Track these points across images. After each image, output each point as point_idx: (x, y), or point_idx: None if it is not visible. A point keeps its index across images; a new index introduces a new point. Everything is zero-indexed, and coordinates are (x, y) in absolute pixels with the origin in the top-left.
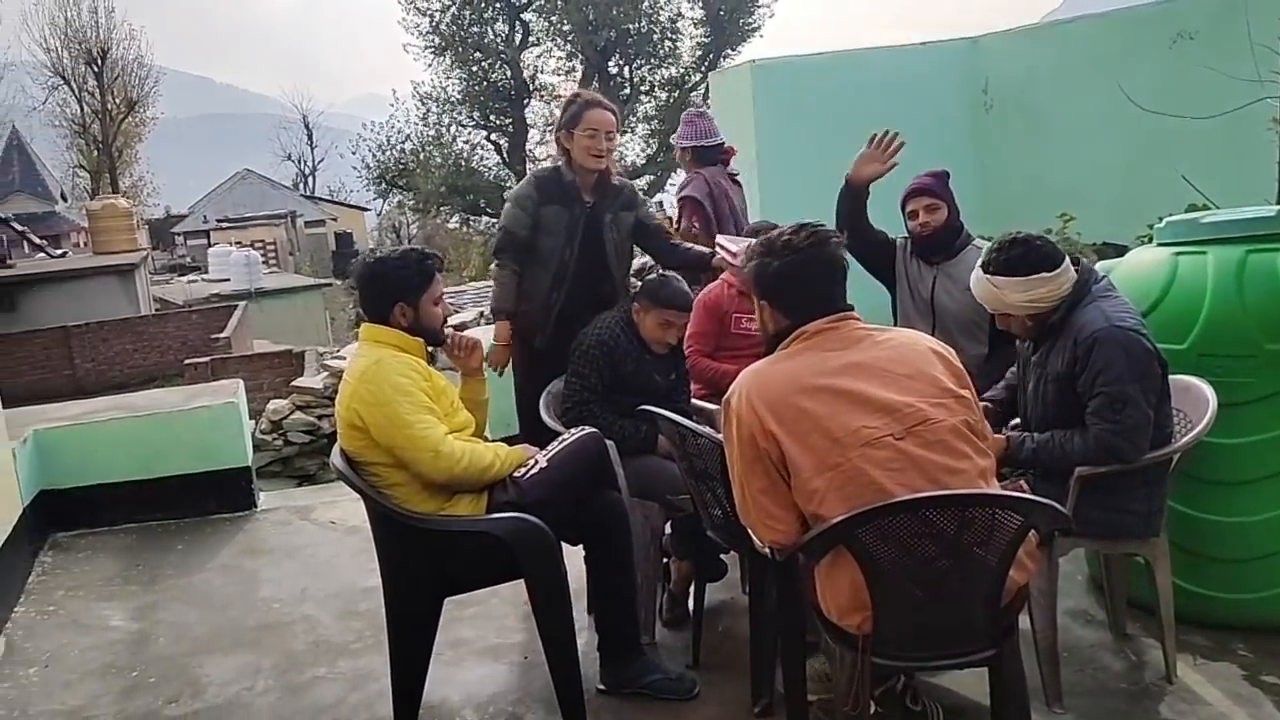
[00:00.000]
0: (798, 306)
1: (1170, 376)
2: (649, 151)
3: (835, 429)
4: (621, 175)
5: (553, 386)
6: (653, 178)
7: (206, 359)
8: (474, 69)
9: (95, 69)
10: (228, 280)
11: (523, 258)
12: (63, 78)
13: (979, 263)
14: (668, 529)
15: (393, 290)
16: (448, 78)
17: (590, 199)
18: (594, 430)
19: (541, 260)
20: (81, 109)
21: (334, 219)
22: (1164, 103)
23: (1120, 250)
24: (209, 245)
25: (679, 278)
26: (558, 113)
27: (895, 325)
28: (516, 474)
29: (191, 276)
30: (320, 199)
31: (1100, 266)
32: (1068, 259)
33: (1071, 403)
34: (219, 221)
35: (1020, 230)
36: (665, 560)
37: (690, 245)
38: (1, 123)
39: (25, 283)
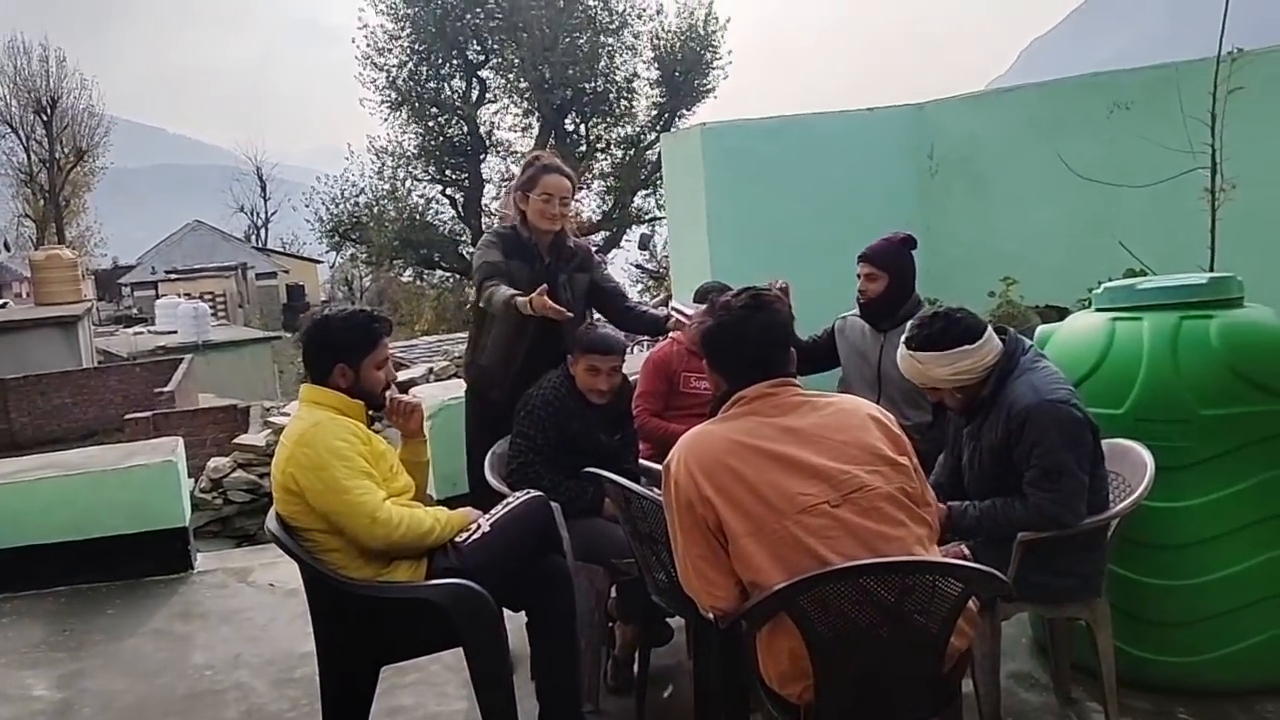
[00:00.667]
0: (734, 370)
1: (1109, 441)
2: (604, 208)
3: (771, 495)
4: (577, 236)
5: (497, 447)
6: (608, 234)
7: (148, 414)
8: (430, 124)
9: (44, 118)
10: (175, 332)
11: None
12: (10, 126)
13: (902, 338)
14: (614, 592)
15: (334, 350)
16: (404, 132)
17: (548, 258)
18: (539, 494)
19: (503, 316)
20: (29, 157)
21: (286, 271)
22: (1102, 170)
23: (1062, 313)
24: (157, 297)
25: (606, 324)
26: (515, 169)
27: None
28: (458, 539)
29: (138, 328)
30: (272, 251)
31: (1041, 331)
32: (990, 330)
33: (1008, 472)
34: (167, 273)
35: (942, 304)
36: (610, 624)
37: (646, 309)
38: None
39: None
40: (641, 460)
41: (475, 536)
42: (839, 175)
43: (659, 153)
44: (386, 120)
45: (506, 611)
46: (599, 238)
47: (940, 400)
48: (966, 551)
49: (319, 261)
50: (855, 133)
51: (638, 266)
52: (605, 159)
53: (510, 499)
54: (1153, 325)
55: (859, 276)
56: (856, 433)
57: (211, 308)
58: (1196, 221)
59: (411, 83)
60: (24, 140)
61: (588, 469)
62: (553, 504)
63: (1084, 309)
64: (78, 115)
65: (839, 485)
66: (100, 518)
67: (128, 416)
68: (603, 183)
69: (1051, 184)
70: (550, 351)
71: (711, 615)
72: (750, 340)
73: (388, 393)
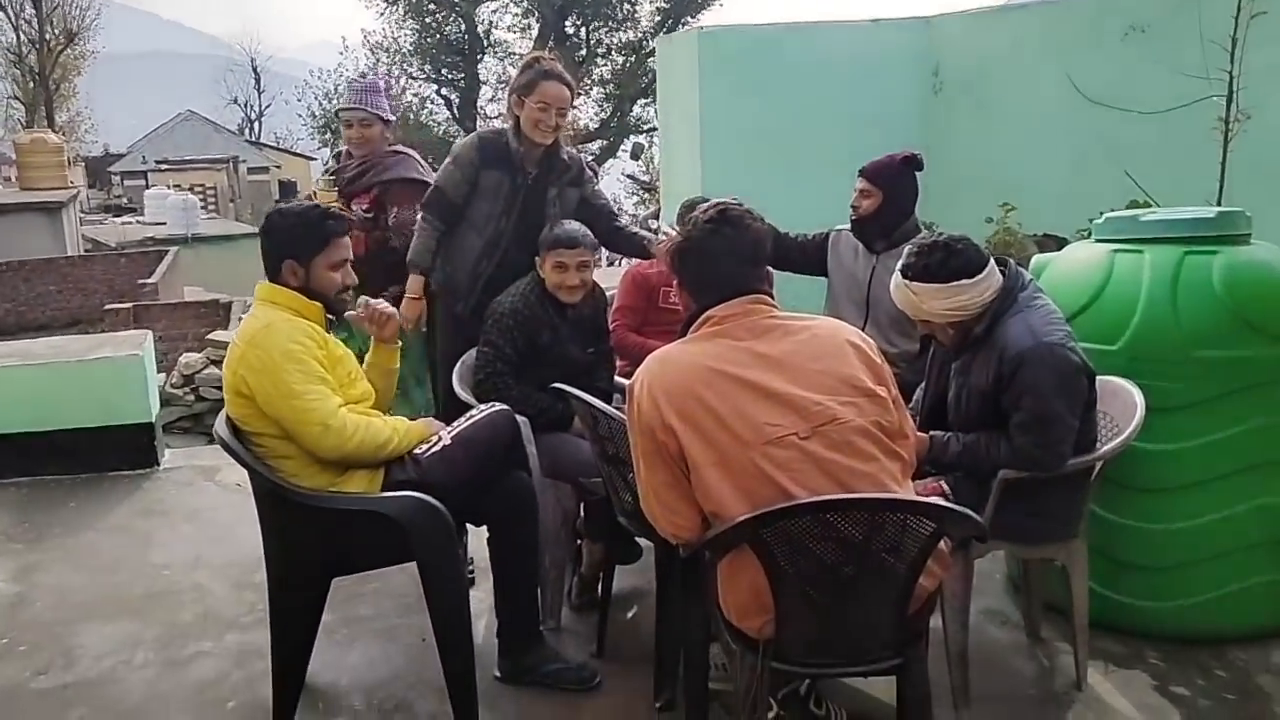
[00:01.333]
0: (704, 287)
1: (1100, 378)
2: (603, 116)
3: (737, 425)
4: (571, 148)
5: (466, 357)
6: (605, 143)
7: (129, 305)
8: (427, 20)
9: None
10: (164, 224)
11: (450, 219)
12: None
13: (898, 266)
14: (582, 510)
15: (284, 246)
16: (400, 28)
17: (534, 170)
18: (505, 408)
19: (475, 225)
20: (18, 38)
21: (278, 167)
22: (1113, 95)
23: (1060, 242)
24: (147, 187)
25: (573, 221)
26: (513, 71)
27: (824, 314)
28: (417, 451)
29: (127, 218)
30: (266, 146)
31: (1037, 260)
32: (992, 263)
33: (994, 413)
34: (158, 163)
35: (942, 232)
36: (578, 542)
37: (635, 230)
38: None
39: None
40: (617, 377)
41: (435, 449)
42: (840, 89)
43: None
44: (383, 15)
45: (471, 527)
46: (595, 146)
47: (931, 335)
48: (945, 488)
49: (312, 159)
50: (859, 45)
51: (630, 177)
52: (605, 65)
53: (474, 412)
54: (1154, 259)
55: (854, 191)
56: (831, 361)
57: (201, 201)
58: (1206, 152)
59: None
60: (13, 20)
61: (555, 385)
62: (520, 418)
63: (1083, 239)
64: None
65: (809, 416)
66: (63, 410)
67: (107, 307)
68: (602, 90)
69: (1059, 108)
70: (520, 267)
71: (673, 541)
72: (717, 256)
73: (371, 301)
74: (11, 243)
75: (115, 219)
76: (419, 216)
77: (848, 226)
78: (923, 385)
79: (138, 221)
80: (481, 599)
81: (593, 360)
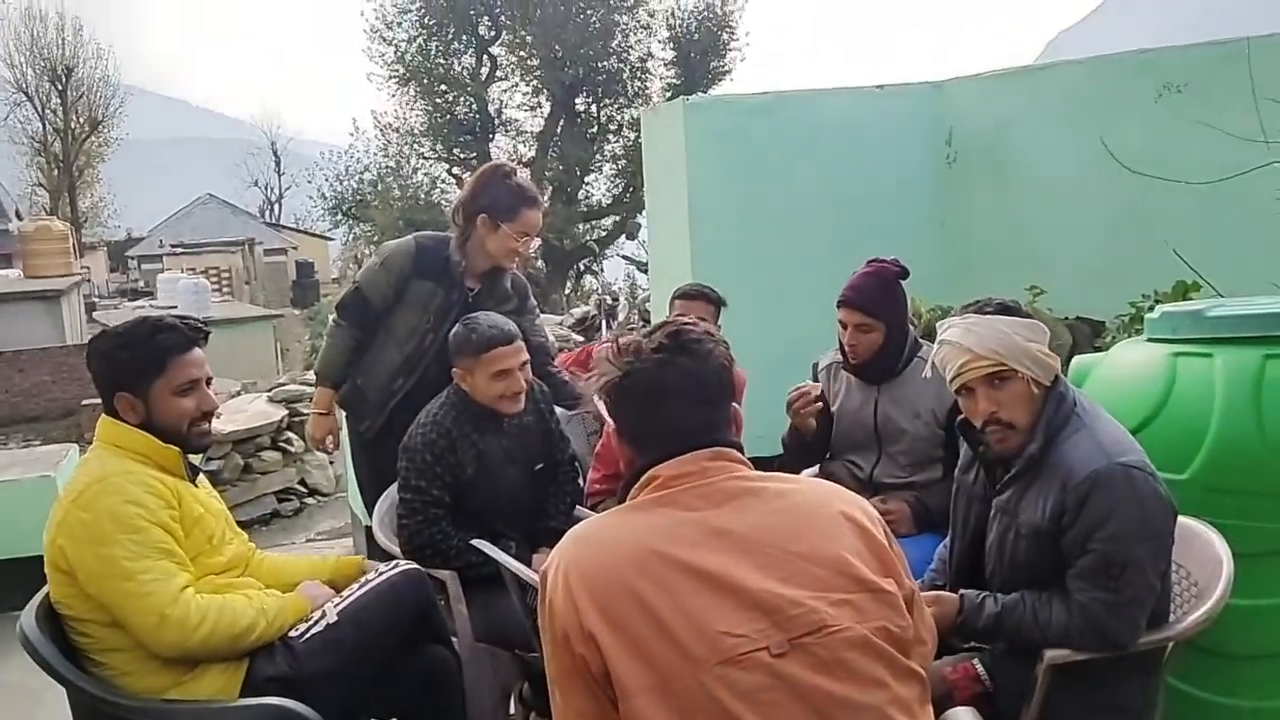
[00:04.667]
0: (648, 437)
1: None
2: (615, 192)
3: (683, 633)
4: (517, 271)
5: (386, 499)
6: (617, 219)
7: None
8: (438, 100)
9: (59, 86)
10: (175, 308)
11: (368, 327)
12: (25, 94)
13: (965, 310)
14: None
15: (111, 376)
16: (410, 109)
17: (474, 286)
18: (410, 567)
19: (395, 338)
20: (44, 126)
21: (295, 247)
22: (1149, 162)
23: (1096, 326)
24: (163, 271)
25: (488, 312)
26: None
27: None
28: (293, 634)
29: (140, 303)
30: (284, 227)
31: (1077, 364)
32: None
33: (1051, 562)
34: (173, 246)
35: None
36: (529, 715)
37: (568, 380)
38: None
39: None
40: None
41: (316, 630)
42: (843, 162)
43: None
44: (394, 96)
45: None
46: (608, 222)
47: (994, 420)
48: (979, 670)
49: (329, 239)
50: (863, 113)
51: (625, 258)
52: (617, 142)
53: (370, 575)
54: (1228, 364)
55: (842, 325)
56: (821, 540)
57: (217, 284)
58: (1269, 226)
59: (420, 58)
60: (39, 109)
61: (474, 541)
62: (446, 573)
63: (1124, 325)
64: (93, 85)
65: (786, 623)
66: None
67: (84, 402)
68: (614, 166)
69: (1089, 177)
70: (439, 389)
71: None
72: (669, 396)
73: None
74: (11, 332)
75: (130, 303)
76: (330, 319)
77: (828, 359)
78: (947, 539)
79: (151, 306)
80: None
81: (543, 480)
